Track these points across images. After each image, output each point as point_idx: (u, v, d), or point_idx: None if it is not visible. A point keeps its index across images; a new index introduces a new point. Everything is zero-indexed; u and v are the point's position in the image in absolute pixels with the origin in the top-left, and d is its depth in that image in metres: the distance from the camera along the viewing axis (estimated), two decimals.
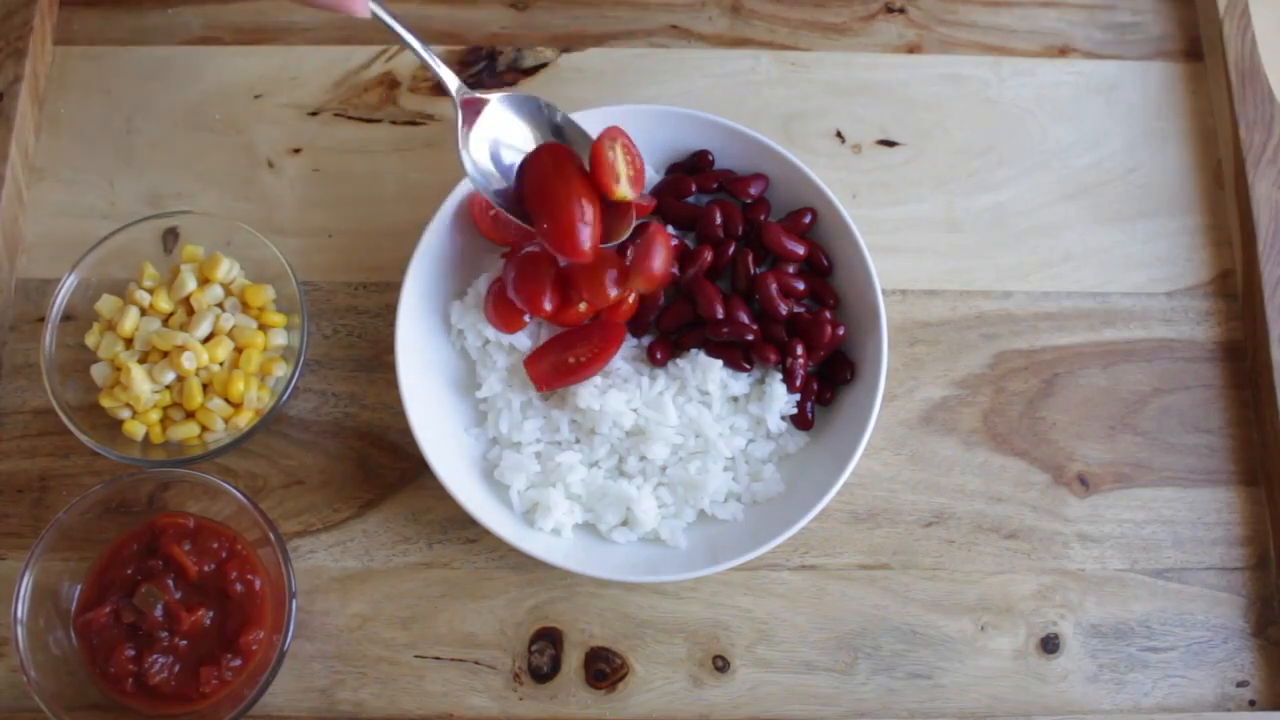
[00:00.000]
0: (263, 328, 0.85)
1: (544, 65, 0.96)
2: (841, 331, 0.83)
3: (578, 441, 0.82)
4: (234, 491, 0.77)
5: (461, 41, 0.97)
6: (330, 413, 0.86)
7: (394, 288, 0.83)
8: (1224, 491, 0.86)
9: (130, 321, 0.83)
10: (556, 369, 0.81)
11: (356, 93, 0.95)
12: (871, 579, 0.83)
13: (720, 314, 0.82)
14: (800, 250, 0.85)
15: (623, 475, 0.82)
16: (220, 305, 0.85)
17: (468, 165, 0.79)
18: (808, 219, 0.86)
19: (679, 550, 0.80)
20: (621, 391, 0.81)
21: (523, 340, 0.84)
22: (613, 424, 0.81)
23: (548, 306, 0.81)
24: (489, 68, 0.96)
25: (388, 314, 0.83)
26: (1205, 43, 0.98)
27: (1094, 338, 0.90)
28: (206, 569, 0.77)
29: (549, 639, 0.81)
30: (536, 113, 0.83)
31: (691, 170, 0.87)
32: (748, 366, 0.82)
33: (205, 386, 0.83)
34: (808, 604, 0.83)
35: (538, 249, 0.84)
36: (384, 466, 0.85)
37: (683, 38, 0.98)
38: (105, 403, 0.82)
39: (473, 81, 0.95)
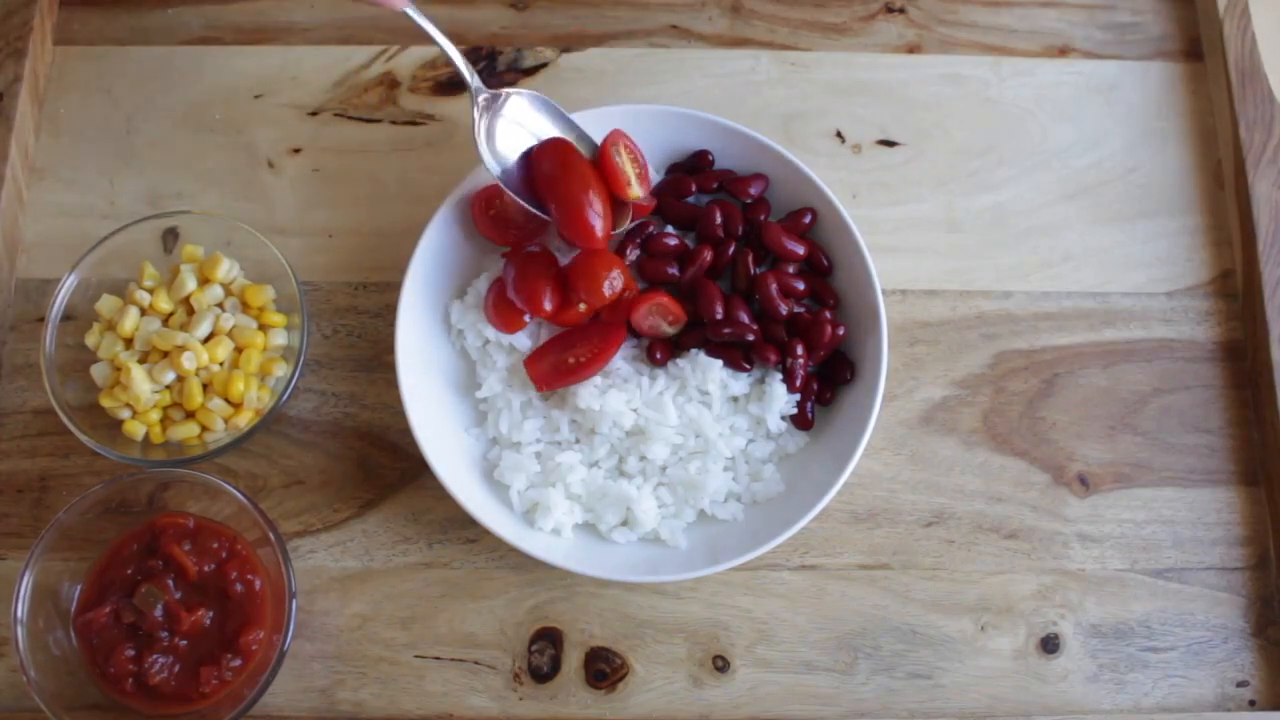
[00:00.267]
0: (263, 328, 0.85)
1: (544, 65, 0.96)
2: (841, 331, 0.83)
3: (578, 441, 0.82)
4: (234, 491, 0.77)
5: (461, 41, 0.97)
6: (330, 413, 0.86)
7: (394, 288, 0.83)
8: (1224, 491, 0.86)
9: (130, 321, 0.83)
10: (556, 369, 0.81)
11: (356, 93, 0.95)
12: (871, 579, 0.83)
13: (720, 314, 0.82)
14: (800, 250, 0.85)
15: (623, 475, 0.82)
16: (220, 305, 0.85)
17: (487, 158, 0.80)
18: (808, 219, 0.86)
19: (679, 550, 0.80)
20: (621, 391, 0.81)
21: (523, 340, 0.84)
22: (613, 424, 0.81)
23: (548, 306, 0.81)
24: (489, 68, 0.96)
25: (388, 314, 0.83)
26: (1205, 43, 0.98)
27: (1094, 338, 0.90)
28: (206, 569, 0.77)
29: (549, 639, 0.81)
30: (549, 110, 0.83)
31: (691, 170, 0.87)
32: (748, 366, 0.82)
33: (205, 386, 0.83)
34: (808, 604, 0.83)
35: (537, 249, 0.84)
36: (384, 466, 0.85)
37: (683, 38, 0.98)
38: (105, 403, 0.82)
39: None
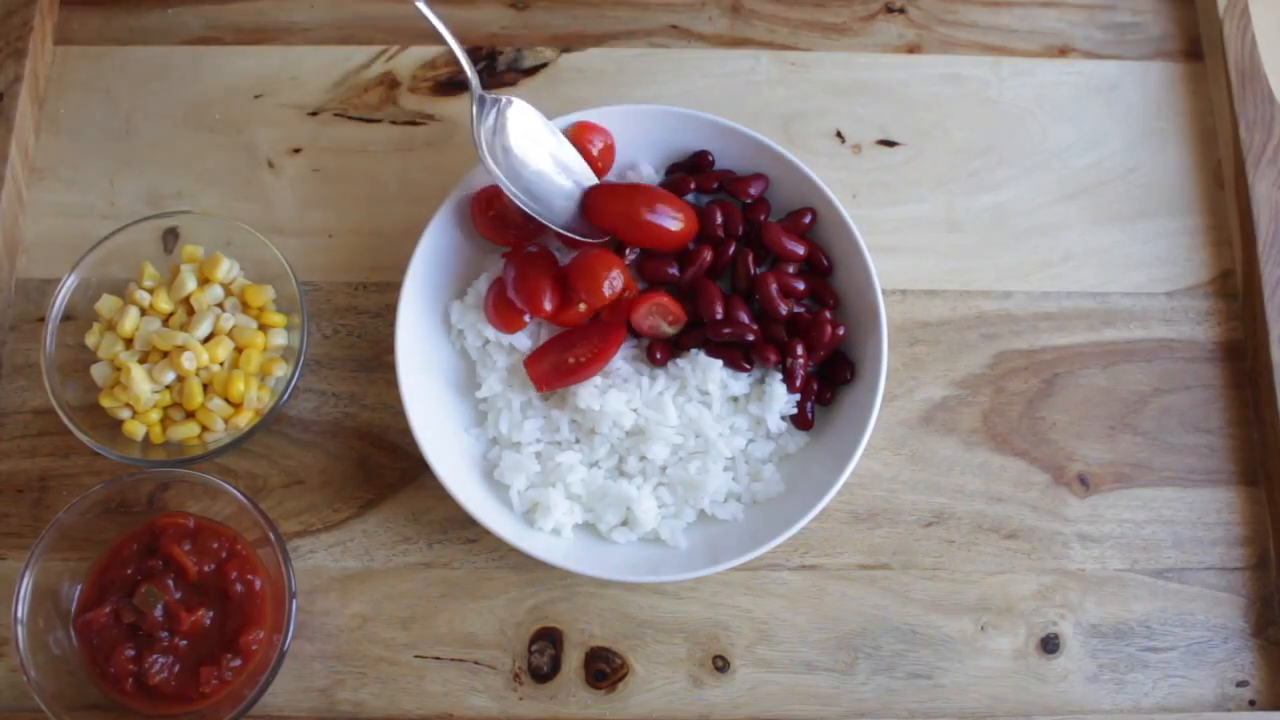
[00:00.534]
0: (263, 328, 0.85)
1: (544, 65, 0.96)
2: (841, 331, 0.83)
3: (578, 441, 0.82)
4: (234, 491, 0.77)
5: (462, 41, 0.96)
6: (330, 413, 0.86)
7: (394, 288, 0.83)
8: (1224, 491, 0.86)
9: (130, 321, 0.83)
10: (556, 369, 0.81)
11: (356, 93, 0.95)
12: (871, 579, 0.83)
13: (720, 314, 0.82)
14: (800, 250, 0.85)
15: (623, 475, 0.82)
16: (220, 305, 0.85)
17: (487, 159, 0.80)
18: (808, 219, 0.86)
19: (679, 550, 0.80)
20: (621, 391, 0.81)
21: (523, 340, 0.84)
22: (613, 424, 0.81)
23: (548, 306, 0.81)
24: (489, 67, 0.96)
25: (388, 314, 0.83)
26: (1205, 43, 0.98)
27: (1094, 338, 0.90)
28: (206, 569, 0.77)
29: (549, 639, 0.81)
30: (542, 118, 0.84)
31: (691, 170, 0.87)
32: (748, 366, 0.82)
33: (205, 386, 0.83)
34: (808, 604, 0.83)
35: (537, 249, 0.84)
36: (384, 466, 0.85)
37: (683, 38, 0.98)
38: (105, 403, 0.82)
39: None
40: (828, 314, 0.84)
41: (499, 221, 0.85)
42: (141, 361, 0.82)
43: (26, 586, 0.75)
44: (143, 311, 0.84)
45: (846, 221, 0.84)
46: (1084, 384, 0.89)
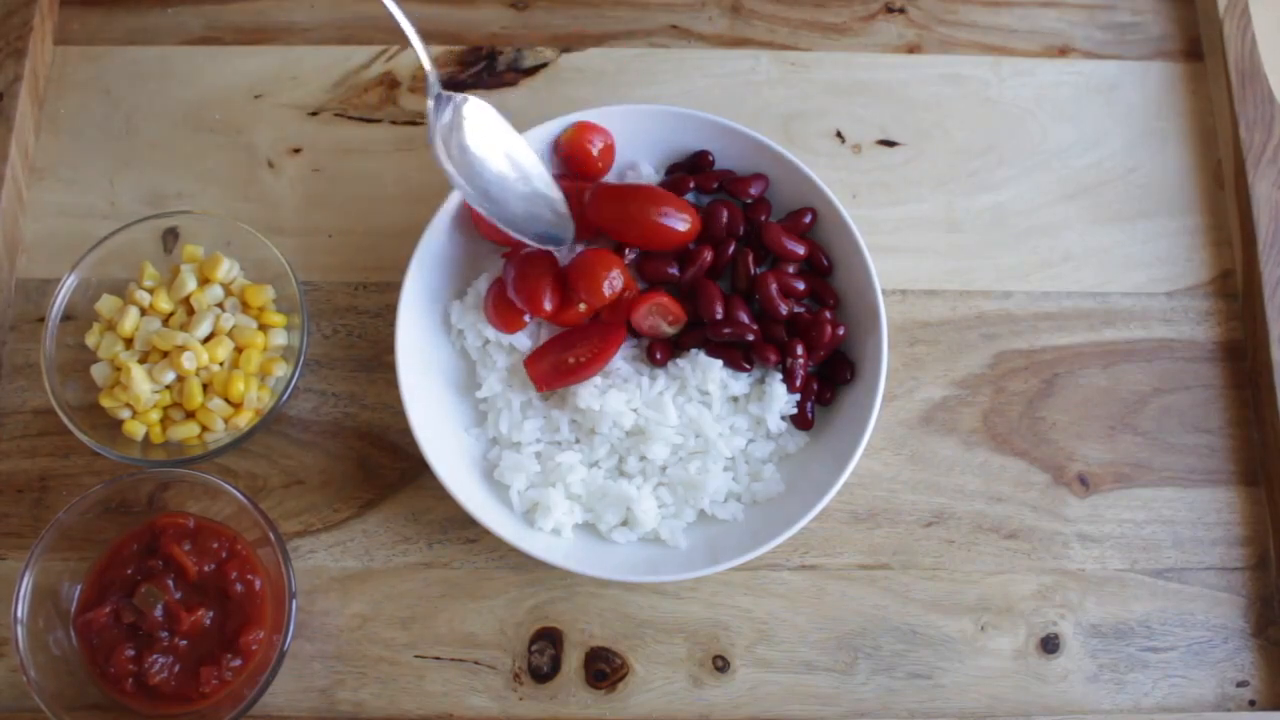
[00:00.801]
0: (263, 328, 0.85)
1: (544, 65, 0.96)
2: (841, 331, 0.83)
3: (578, 441, 0.82)
4: (234, 491, 0.77)
5: (461, 41, 0.97)
6: (330, 413, 0.86)
7: (394, 288, 0.83)
8: (1224, 491, 0.86)
9: (130, 321, 0.83)
10: (556, 369, 0.81)
11: (356, 93, 0.95)
12: (871, 579, 0.83)
13: (720, 314, 0.82)
14: (800, 250, 0.85)
15: (623, 475, 0.82)
16: (220, 305, 0.85)
17: (441, 158, 0.80)
18: (808, 219, 0.86)
19: (679, 550, 0.80)
20: (621, 391, 0.81)
21: (523, 340, 0.84)
22: (613, 424, 0.81)
23: (548, 306, 0.81)
24: (489, 67, 0.96)
25: (388, 314, 0.83)
26: (1205, 43, 0.98)
27: (1094, 338, 0.90)
28: (206, 569, 0.77)
29: (549, 639, 0.81)
30: (501, 120, 0.83)
31: (692, 170, 0.87)
32: (748, 366, 0.82)
33: (205, 386, 0.83)
34: (808, 604, 0.83)
35: (536, 250, 0.84)
36: (384, 466, 0.85)
37: (683, 38, 0.98)
38: (105, 403, 0.82)
39: (473, 81, 0.95)
40: (828, 314, 0.84)
41: None
42: (141, 361, 0.82)
43: (26, 586, 0.75)
44: (143, 311, 0.84)
45: (846, 221, 0.84)
46: (1084, 384, 0.89)
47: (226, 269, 0.85)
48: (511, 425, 0.82)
